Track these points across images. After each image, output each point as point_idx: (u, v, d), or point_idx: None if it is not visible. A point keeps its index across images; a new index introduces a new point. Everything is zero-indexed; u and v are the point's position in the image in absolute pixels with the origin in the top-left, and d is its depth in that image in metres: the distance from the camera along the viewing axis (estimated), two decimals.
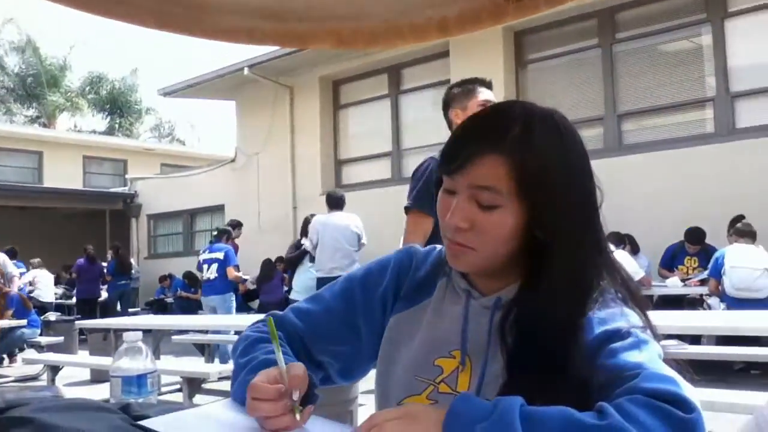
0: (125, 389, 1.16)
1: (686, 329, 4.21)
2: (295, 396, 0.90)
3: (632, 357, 0.85)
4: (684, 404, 0.76)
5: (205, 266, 7.94)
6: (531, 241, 0.95)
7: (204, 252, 8.23)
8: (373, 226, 7.25)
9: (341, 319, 1.14)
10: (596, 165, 0.99)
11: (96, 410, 0.90)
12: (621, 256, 5.70)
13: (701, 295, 6.57)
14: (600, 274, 0.97)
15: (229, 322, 6.80)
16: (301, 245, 7.28)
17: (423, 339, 1.08)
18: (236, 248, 8.77)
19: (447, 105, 2.93)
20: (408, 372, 1.06)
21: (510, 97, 8.65)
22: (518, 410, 0.77)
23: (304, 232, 7.35)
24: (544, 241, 0.94)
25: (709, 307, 6.38)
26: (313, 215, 7.39)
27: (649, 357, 0.86)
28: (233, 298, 8.15)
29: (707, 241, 6.83)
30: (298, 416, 0.90)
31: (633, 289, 1.00)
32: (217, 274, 7.85)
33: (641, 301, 0.99)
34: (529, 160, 0.92)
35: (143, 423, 0.83)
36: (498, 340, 0.97)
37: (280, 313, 1.20)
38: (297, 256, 7.25)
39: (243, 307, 10.16)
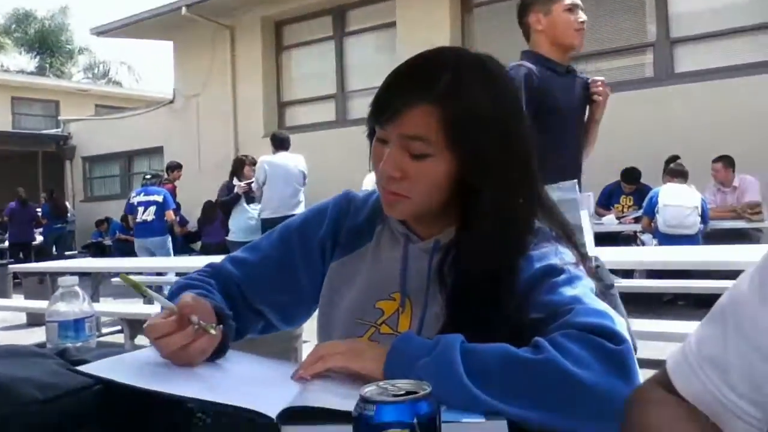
0: (62, 334, 1.15)
1: (620, 264, 4.38)
2: (195, 319, 0.88)
3: (567, 292, 0.89)
4: (614, 336, 0.80)
5: (141, 209, 7.79)
6: (465, 187, 0.95)
7: (138, 195, 8.05)
8: (316, 168, 7.19)
9: (279, 268, 1.14)
10: None
11: (31, 356, 0.88)
12: None
13: (635, 232, 6.79)
14: (535, 214, 0.99)
15: (169, 263, 6.74)
16: (233, 186, 7.19)
17: (363, 283, 1.08)
18: (173, 190, 8.60)
19: (525, 9, 2.54)
20: (349, 315, 1.07)
21: (456, 41, 8.57)
22: (459, 346, 0.80)
23: (235, 173, 7.29)
24: (477, 186, 0.94)
25: (643, 243, 6.62)
26: (245, 156, 7.39)
27: (583, 292, 0.89)
28: (170, 239, 8.06)
29: (643, 180, 7.04)
30: (213, 331, 0.89)
31: (567, 228, 1.03)
32: (154, 216, 7.72)
33: (575, 239, 1.02)
34: (458, 108, 0.92)
35: (81, 368, 0.82)
36: (437, 281, 0.99)
37: (218, 263, 1.18)
38: (232, 199, 7.16)
39: (185, 249, 10.04)
